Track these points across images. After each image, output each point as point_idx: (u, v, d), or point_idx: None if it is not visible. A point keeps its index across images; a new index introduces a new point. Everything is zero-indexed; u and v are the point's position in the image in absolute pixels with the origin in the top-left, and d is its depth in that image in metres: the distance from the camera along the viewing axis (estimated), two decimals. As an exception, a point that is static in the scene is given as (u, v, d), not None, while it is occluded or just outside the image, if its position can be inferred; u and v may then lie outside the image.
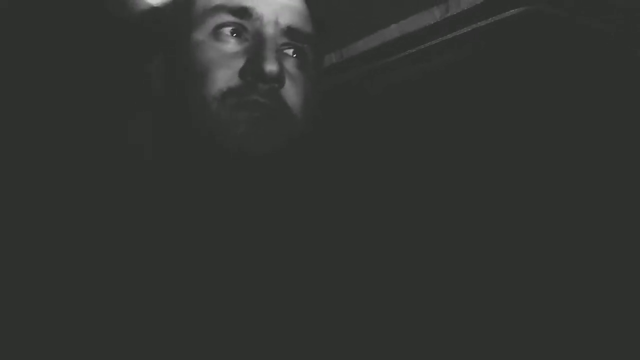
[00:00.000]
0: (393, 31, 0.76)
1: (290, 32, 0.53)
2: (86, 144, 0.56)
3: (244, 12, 0.51)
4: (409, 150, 0.75)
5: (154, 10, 0.58)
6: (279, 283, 0.49)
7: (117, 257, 0.47)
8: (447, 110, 0.74)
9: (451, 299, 0.54)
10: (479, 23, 0.70)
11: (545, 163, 0.64)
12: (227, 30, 0.51)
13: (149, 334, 0.44)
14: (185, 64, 0.51)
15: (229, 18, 0.51)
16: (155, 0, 0.58)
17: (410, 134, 0.76)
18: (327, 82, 0.82)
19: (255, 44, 0.51)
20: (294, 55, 0.54)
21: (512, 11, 0.68)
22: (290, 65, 0.53)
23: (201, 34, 0.52)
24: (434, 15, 0.74)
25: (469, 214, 0.65)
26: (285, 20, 0.53)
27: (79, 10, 0.62)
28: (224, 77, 0.50)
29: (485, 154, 0.69)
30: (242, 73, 0.50)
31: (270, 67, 0.49)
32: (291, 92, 0.52)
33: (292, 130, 0.53)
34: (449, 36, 0.73)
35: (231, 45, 0.51)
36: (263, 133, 0.50)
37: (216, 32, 0.51)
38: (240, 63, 0.50)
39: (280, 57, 0.52)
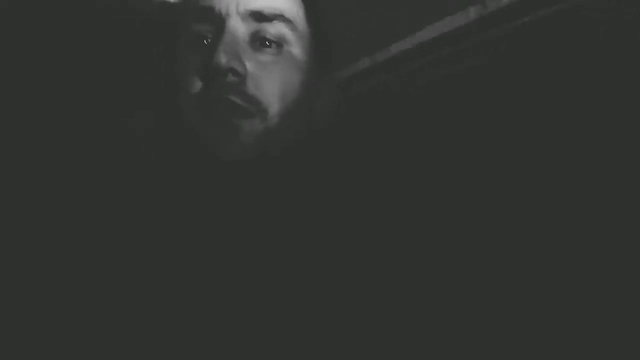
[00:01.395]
0: (427, 33, 0.75)
1: (254, 15, 0.50)
2: (87, 140, 0.56)
3: (205, 12, 0.50)
4: (445, 153, 0.73)
5: (167, 5, 0.58)
6: (260, 284, 0.47)
7: (109, 255, 0.47)
8: (484, 112, 0.72)
9: (461, 302, 0.52)
10: (516, 22, 0.68)
11: (589, 166, 0.61)
12: (199, 38, 0.50)
13: (137, 332, 0.44)
14: (173, 70, 0.51)
15: (198, 25, 0.50)
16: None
17: (445, 137, 0.74)
18: (360, 87, 0.81)
19: (213, 40, 0.49)
20: (269, 41, 0.50)
21: (550, 9, 0.66)
22: (263, 53, 0.50)
23: (181, 42, 0.52)
24: (469, 15, 0.72)
25: (502, 219, 0.63)
26: (247, 5, 0.49)
27: (84, 5, 0.63)
28: (191, 84, 0.49)
29: (525, 155, 0.66)
30: (199, 75, 0.49)
31: (216, 59, 0.46)
32: (261, 82, 0.49)
33: (265, 125, 0.49)
34: (487, 35, 0.71)
35: (202, 50, 0.49)
36: (230, 130, 0.48)
37: (191, 42, 0.50)
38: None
39: (239, 48, 0.49)
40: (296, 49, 0.52)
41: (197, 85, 0.49)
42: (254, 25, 0.50)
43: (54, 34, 0.63)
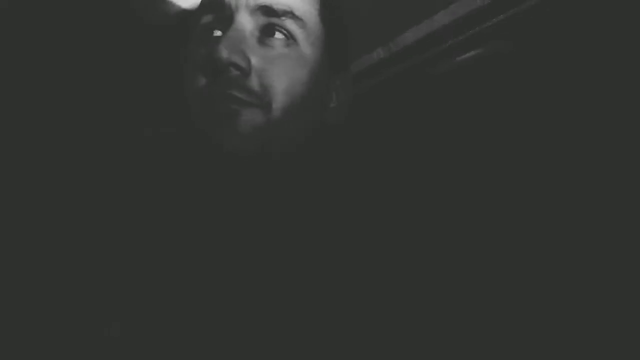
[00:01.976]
0: (442, 17, 0.72)
1: (263, 10, 0.49)
2: (93, 136, 0.57)
3: (214, 6, 0.50)
4: (458, 145, 0.70)
5: (183, 12, 0.59)
6: (259, 278, 0.47)
7: (111, 247, 0.48)
8: (504, 99, 0.68)
9: (463, 303, 0.50)
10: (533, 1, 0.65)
11: (591, 163, 0.57)
12: (209, 31, 0.50)
13: (137, 327, 0.44)
14: (184, 63, 0.51)
15: (208, 17, 0.50)
16: (186, 2, 0.59)
17: (456, 130, 0.71)
18: (376, 78, 0.80)
19: (221, 34, 0.49)
20: (277, 36, 0.50)
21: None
22: (269, 48, 0.49)
23: (194, 37, 0.51)
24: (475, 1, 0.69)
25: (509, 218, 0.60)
26: (257, 0, 0.49)
27: (93, 11, 0.65)
28: (198, 78, 0.49)
29: (544, 144, 0.63)
30: (203, 70, 0.48)
31: (218, 54, 0.46)
32: (266, 76, 0.48)
33: (269, 118, 0.48)
34: (500, 18, 0.67)
35: (210, 43, 0.49)
36: (231, 124, 0.47)
37: (200, 37, 0.50)
38: None
39: (244, 41, 0.48)
40: (304, 45, 0.51)
41: (202, 79, 0.48)
42: (262, 20, 0.50)
43: (55, 34, 0.64)
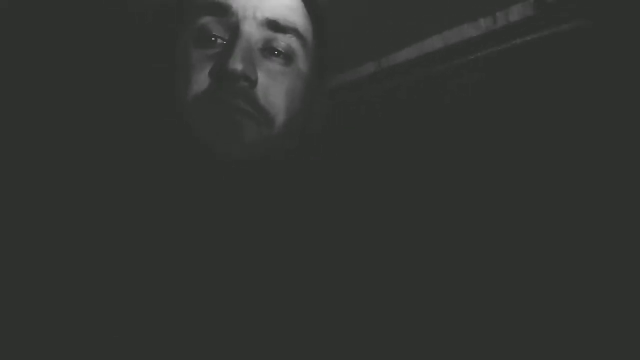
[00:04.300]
0: (436, 42, 0.73)
1: (270, 24, 0.49)
2: (87, 138, 0.56)
3: (218, 9, 0.49)
4: (447, 163, 0.72)
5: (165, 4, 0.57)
6: (254, 280, 0.48)
7: (105, 254, 0.47)
8: (488, 125, 0.70)
9: (456, 302, 0.52)
10: (527, 37, 0.67)
11: (592, 180, 0.60)
12: (207, 33, 0.49)
13: (130, 330, 0.44)
14: (173, 66, 0.51)
15: (207, 18, 0.49)
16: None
17: (447, 147, 0.73)
18: (365, 92, 0.80)
19: (227, 42, 0.49)
20: (278, 51, 0.50)
21: (563, 26, 0.64)
22: (272, 62, 0.50)
23: (186, 36, 0.50)
24: (479, 27, 0.71)
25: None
26: (264, 12, 0.49)
27: (83, 6, 0.63)
28: (198, 80, 0.48)
29: (530, 169, 0.65)
30: (210, 75, 0.48)
31: (233, 65, 0.46)
32: (270, 92, 0.49)
33: (270, 133, 0.49)
34: (495, 49, 0.69)
35: (209, 50, 0.49)
36: (234, 135, 0.48)
37: (198, 36, 0.49)
38: (211, 65, 0.48)
39: (253, 53, 0.48)
40: (303, 63, 0.52)
41: (204, 83, 0.48)
42: (267, 33, 0.50)
43: (54, 34, 0.63)
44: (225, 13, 0.49)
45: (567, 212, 0.59)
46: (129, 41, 0.63)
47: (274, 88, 0.49)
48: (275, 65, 0.50)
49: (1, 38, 0.61)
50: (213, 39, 0.49)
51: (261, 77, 0.49)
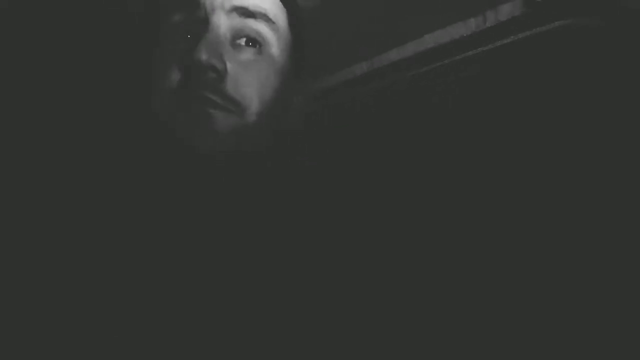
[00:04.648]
0: (427, 41, 0.74)
1: (238, 10, 0.50)
2: (74, 138, 0.57)
3: (188, 4, 0.49)
4: (437, 163, 0.72)
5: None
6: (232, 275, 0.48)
7: (87, 250, 0.47)
8: (479, 123, 0.70)
9: (455, 302, 0.52)
10: (516, 36, 0.67)
11: (583, 179, 0.59)
12: (178, 29, 0.50)
13: (115, 329, 0.44)
14: (153, 59, 0.51)
15: (179, 15, 0.50)
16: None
17: (438, 146, 0.73)
18: (356, 91, 0.80)
19: (196, 35, 0.49)
20: (248, 39, 0.50)
21: (553, 24, 0.64)
22: (243, 52, 0.50)
23: (163, 31, 0.51)
24: (469, 26, 0.71)
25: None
26: (233, 1, 0.49)
27: (79, 5, 0.64)
28: (169, 75, 0.48)
29: (519, 169, 0.65)
30: (179, 70, 0.48)
31: (197, 55, 0.46)
32: (240, 82, 0.49)
33: (242, 123, 0.49)
34: (485, 48, 0.69)
35: (181, 43, 0.49)
36: (204, 127, 0.47)
37: (170, 32, 0.50)
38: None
39: (221, 45, 0.48)
40: (275, 50, 0.52)
41: (175, 78, 0.48)
42: (237, 21, 0.50)
43: (54, 34, 0.64)
44: (196, 6, 0.49)
45: (562, 212, 0.58)
46: (129, 41, 0.64)
47: (245, 78, 0.49)
48: (245, 55, 0.50)
49: (1, 38, 0.63)
50: (184, 34, 0.50)
51: (231, 68, 0.49)
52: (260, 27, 0.51)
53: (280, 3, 0.54)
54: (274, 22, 0.52)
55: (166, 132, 0.49)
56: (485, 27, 0.69)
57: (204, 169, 0.50)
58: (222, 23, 0.49)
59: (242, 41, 0.50)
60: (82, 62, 0.66)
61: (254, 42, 0.51)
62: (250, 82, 0.49)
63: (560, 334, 0.50)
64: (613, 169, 0.57)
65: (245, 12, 0.50)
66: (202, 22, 0.49)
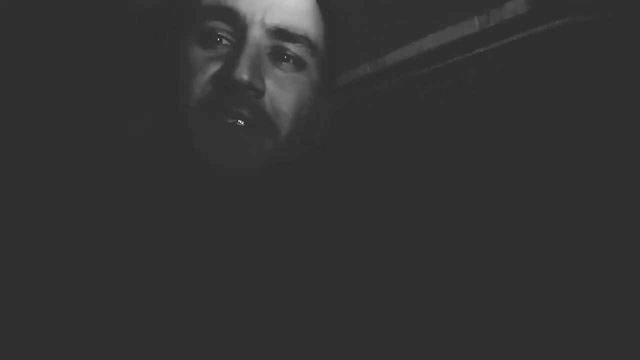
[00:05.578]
0: (430, 41, 0.74)
1: (279, 33, 0.48)
2: (83, 143, 0.56)
3: (227, 14, 0.47)
4: (440, 163, 0.72)
5: (157, 4, 0.57)
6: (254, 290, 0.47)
7: (98, 268, 0.46)
8: (484, 123, 0.70)
9: (459, 304, 0.51)
10: (521, 34, 0.67)
11: (585, 174, 0.59)
12: (212, 34, 0.48)
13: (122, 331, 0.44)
14: (173, 68, 0.49)
15: (214, 22, 0.48)
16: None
17: (444, 147, 0.73)
18: (361, 93, 0.80)
19: (234, 48, 0.47)
20: (287, 60, 0.49)
21: (557, 22, 0.64)
22: (280, 71, 0.48)
23: (188, 38, 0.49)
24: (473, 25, 0.71)
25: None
26: (274, 20, 0.47)
27: (80, 9, 0.64)
28: (199, 84, 0.46)
29: (525, 169, 0.65)
30: (213, 80, 0.46)
31: (239, 74, 0.44)
32: (277, 100, 0.47)
33: (274, 146, 0.48)
34: (489, 47, 0.70)
35: (214, 51, 0.47)
36: (237, 145, 0.46)
37: (202, 38, 0.48)
38: (216, 69, 0.46)
39: (261, 62, 0.47)
40: (314, 71, 0.50)
41: (206, 88, 0.47)
42: (276, 42, 0.48)
43: (54, 33, 0.63)
44: (234, 17, 0.47)
45: (563, 212, 0.58)
46: (129, 41, 0.64)
47: (282, 96, 0.48)
48: (284, 72, 0.48)
49: (1, 38, 0.62)
50: (218, 39, 0.48)
51: (269, 85, 0.47)
52: (301, 51, 0.49)
53: (320, 15, 0.51)
54: (314, 45, 0.50)
55: (190, 147, 0.47)
56: (489, 26, 0.69)
57: (226, 190, 0.48)
58: (261, 39, 0.47)
59: (281, 58, 0.49)
60: (83, 62, 0.65)
61: (293, 59, 0.49)
62: (287, 101, 0.48)
63: (560, 334, 0.50)
64: (616, 165, 0.57)
65: (286, 36, 0.48)
66: (240, 34, 0.47)
